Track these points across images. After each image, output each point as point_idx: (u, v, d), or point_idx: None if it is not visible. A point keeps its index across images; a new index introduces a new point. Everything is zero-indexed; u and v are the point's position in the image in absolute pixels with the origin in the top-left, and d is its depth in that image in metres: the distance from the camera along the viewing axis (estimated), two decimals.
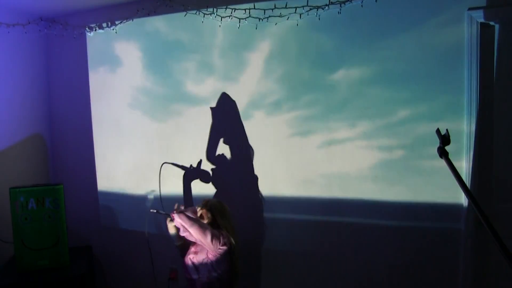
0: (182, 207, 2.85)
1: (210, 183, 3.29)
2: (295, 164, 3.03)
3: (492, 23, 2.43)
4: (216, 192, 3.28)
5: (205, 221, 2.76)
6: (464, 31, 2.47)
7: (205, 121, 3.27)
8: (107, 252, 3.73)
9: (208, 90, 3.25)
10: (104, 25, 3.46)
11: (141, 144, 3.53)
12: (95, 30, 3.49)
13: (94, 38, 3.59)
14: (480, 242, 2.53)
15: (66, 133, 3.81)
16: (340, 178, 2.90)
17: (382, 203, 2.79)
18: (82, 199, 3.76)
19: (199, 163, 3.31)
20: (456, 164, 1.58)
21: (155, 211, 2.83)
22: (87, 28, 3.51)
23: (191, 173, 3.34)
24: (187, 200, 3.34)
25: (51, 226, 3.05)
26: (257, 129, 3.13)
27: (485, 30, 2.44)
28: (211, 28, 3.16)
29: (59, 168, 3.86)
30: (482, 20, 2.41)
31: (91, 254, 3.50)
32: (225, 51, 3.17)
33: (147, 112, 3.49)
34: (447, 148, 1.65)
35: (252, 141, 3.15)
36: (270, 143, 3.09)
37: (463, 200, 2.56)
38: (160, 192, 3.25)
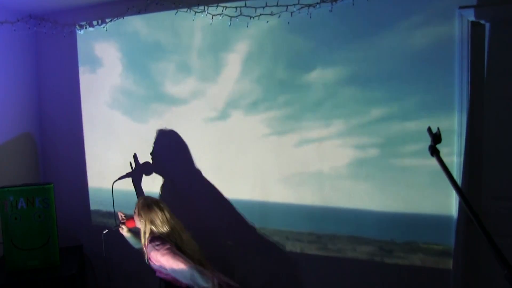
0: (123, 215, 3.03)
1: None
2: (272, 163, 3.06)
3: (482, 21, 2.44)
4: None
5: (136, 218, 2.82)
6: (455, 30, 2.48)
7: (189, 121, 3.29)
8: (98, 252, 3.69)
9: (189, 90, 3.27)
10: (95, 23, 3.43)
11: (131, 144, 3.51)
12: (86, 28, 3.46)
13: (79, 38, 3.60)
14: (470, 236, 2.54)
15: (57, 132, 3.78)
16: (316, 176, 2.93)
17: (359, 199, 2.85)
18: (73, 199, 3.74)
19: (135, 158, 3.43)
20: (446, 161, 1.59)
21: (106, 231, 3.05)
22: (77, 26, 3.48)
23: (136, 174, 3.42)
24: None
25: (41, 225, 3.02)
26: (234, 129, 3.15)
27: (475, 28, 2.45)
28: (189, 29, 3.18)
29: (50, 167, 3.83)
30: (472, 18, 2.42)
31: (82, 254, 3.48)
32: (203, 52, 3.18)
33: (134, 112, 3.48)
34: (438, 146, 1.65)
35: (229, 141, 3.18)
36: (248, 142, 3.11)
37: (450, 195, 2.58)
38: (114, 208, 3.24)
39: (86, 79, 3.63)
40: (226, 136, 3.18)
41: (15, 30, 3.33)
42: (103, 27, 3.39)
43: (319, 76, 2.85)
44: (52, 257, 3.06)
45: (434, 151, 1.62)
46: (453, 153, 2.53)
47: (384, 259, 2.79)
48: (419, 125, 2.60)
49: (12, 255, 2.96)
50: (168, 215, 2.75)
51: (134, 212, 2.84)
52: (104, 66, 3.55)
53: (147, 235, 2.70)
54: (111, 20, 3.35)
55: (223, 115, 3.17)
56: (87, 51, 3.58)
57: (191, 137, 3.29)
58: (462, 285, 2.58)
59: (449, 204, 2.57)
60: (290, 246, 3.06)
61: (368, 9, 2.67)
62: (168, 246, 2.60)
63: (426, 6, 2.54)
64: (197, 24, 3.13)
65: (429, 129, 1.71)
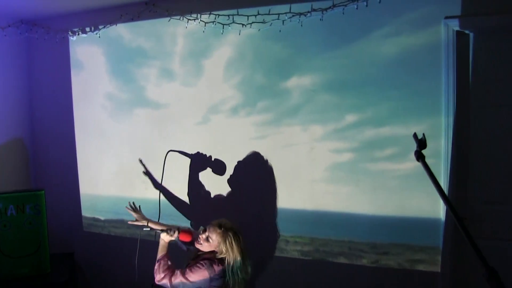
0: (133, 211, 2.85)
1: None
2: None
3: (467, 31, 2.51)
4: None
5: (207, 247, 2.52)
6: (441, 39, 2.55)
7: (175, 125, 3.33)
8: (89, 259, 3.69)
9: (174, 95, 3.31)
10: (87, 29, 3.45)
11: (124, 149, 3.52)
12: (78, 34, 3.47)
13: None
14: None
15: (48, 137, 3.77)
16: (295, 180, 3.00)
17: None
18: (64, 205, 3.72)
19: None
20: (433, 166, 1.62)
21: (147, 229, 2.76)
22: (70, 32, 3.49)
23: (199, 162, 3.25)
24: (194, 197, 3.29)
25: (32, 233, 3.01)
26: (216, 133, 3.20)
27: (460, 37, 2.52)
28: (172, 36, 3.24)
29: (41, 173, 3.81)
30: (457, 28, 2.49)
31: (73, 261, 3.46)
32: (185, 58, 3.24)
33: (126, 118, 3.50)
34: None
35: (210, 145, 3.21)
36: (229, 147, 3.16)
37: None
38: (162, 180, 3.13)
39: (77, 85, 3.65)
40: (209, 140, 3.22)
41: (5, 35, 3.33)
42: (96, 34, 3.41)
43: (298, 82, 2.93)
44: (42, 264, 3.04)
45: (419, 157, 1.65)
46: (440, 157, 2.59)
47: (372, 262, 2.83)
48: (405, 130, 2.66)
49: (1, 263, 2.93)
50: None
51: (208, 231, 2.51)
52: (94, 71, 3.57)
53: (217, 257, 2.49)
54: (104, 27, 3.37)
55: (204, 120, 3.23)
56: (76, 56, 3.62)
57: (177, 142, 3.31)
58: (450, 287, 2.62)
59: (437, 207, 2.63)
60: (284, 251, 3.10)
61: (352, 17, 2.72)
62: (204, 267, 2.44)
63: (413, 15, 2.61)
64: (179, 30, 3.20)
65: (415, 135, 1.75)
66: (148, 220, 2.85)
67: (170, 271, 2.51)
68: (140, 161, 3.39)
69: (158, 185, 3.27)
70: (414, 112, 2.65)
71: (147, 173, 3.37)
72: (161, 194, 3.08)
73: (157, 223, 2.87)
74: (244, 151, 3.12)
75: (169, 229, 2.61)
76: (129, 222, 2.90)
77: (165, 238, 2.62)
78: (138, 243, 2.69)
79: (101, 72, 3.54)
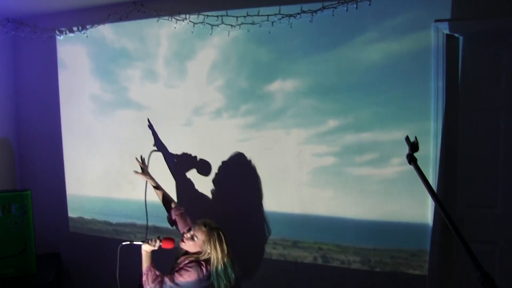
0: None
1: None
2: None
3: (457, 35, 2.53)
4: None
5: (192, 246, 2.53)
6: (431, 42, 2.56)
7: (167, 128, 3.30)
8: (75, 259, 3.65)
9: (160, 97, 3.30)
10: (75, 28, 3.41)
11: (110, 150, 3.50)
12: (65, 33, 3.43)
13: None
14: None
15: (34, 137, 3.73)
16: (278, 183, 3.01)
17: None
18: (51, 205, 3.69)
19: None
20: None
21: (127, 243, 2.64)
22: (57, 32, 3.44)
23: (184, 162, 3.24)
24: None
25: (18, 233, 2.98)
26: (200, 135, 3.19)
27: (450, 41, 2.54)
28: (156, 37, 3.23)
29: (27, 173, 3.78)
30: (447, 31, 2.51)
31: (59, 262, 3.43)
32: (169, 60, 3.23)
33: (114, 118, 3.47)
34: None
35: (195, 147, 3.20)
36: (214, 149, 3.16)
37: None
38: (146, 185, 3.08)
39: (62, 84, 3.61)
40: (193, 142, 3.22)
41: None
42: (84, 33, 3.37)
43: (282, 86, 2.93)
44: (28, 264, 3.02)
45: (411, 160, 1.67)
46: (429, 161, 2.60)
47: (360, 266, 2.84)
48: (394, 134, 2.67)
49: None
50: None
51: (193, 230, 2.53)
52: (77, 71, 3.55)
53: (201, 258, 2.51)
54: (91, 26, 3.33)
55: (188, 122, 3.22)
56: (59, 55, 3.59)
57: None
58: None
59: (424, 212, 2.64)
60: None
61: (341, 20, 2.73)
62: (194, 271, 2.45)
63: (402, 19, 2.61)
64: (163, 31, 3.19)
65: (407, 138, 1.76)
66: (152, 178, 2.91)
67: (159, 280, 2.47)
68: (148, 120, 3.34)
69: (159, 144, 3.28)
70: (402, 116, 2.66)
71: (151, 127, 3.32)
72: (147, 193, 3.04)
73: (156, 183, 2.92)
74: (229, 153, 3.11)
75: (150, 239, 2.56)
76: (134, 171, 2.91)
77: (147, 248, 2.56)
78: (118, 257, 2.62)
79: (85, 73, 3.51)
